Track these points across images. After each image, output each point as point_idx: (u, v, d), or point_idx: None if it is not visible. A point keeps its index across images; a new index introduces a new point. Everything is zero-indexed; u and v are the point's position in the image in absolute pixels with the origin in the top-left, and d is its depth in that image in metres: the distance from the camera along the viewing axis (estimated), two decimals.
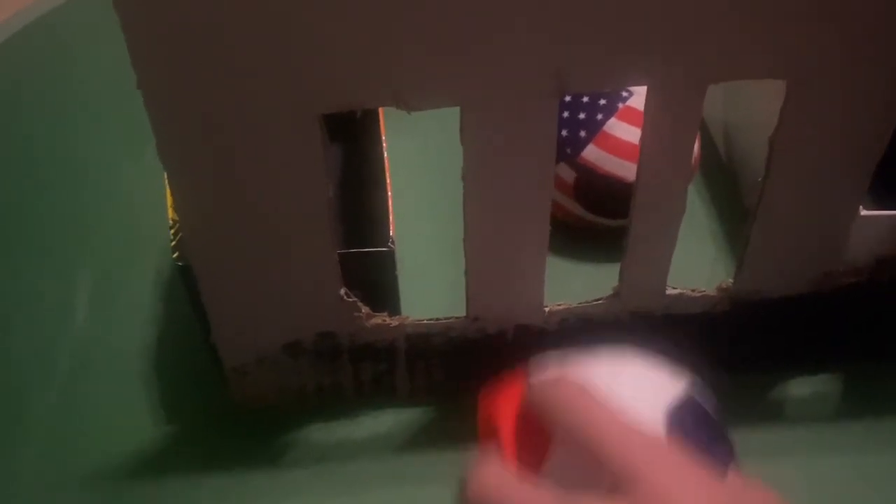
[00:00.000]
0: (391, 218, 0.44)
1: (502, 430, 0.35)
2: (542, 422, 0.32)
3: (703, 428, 0.34)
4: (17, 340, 0.51)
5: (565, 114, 0.51)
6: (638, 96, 0.50)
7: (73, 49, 0.69)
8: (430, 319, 0.44)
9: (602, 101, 0.51)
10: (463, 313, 0.43)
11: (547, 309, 0.43)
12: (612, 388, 0.32)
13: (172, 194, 0.38)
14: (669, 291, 0.43)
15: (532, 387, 0.34)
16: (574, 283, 0.45)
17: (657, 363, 0.35)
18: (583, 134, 0.51)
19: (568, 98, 0.51)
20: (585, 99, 0.51)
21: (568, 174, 0.52)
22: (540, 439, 0.32)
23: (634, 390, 0.33)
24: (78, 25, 0.69)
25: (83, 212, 0.58)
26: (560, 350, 0.36)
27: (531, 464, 0.33)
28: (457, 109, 0.35)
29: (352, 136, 0.55)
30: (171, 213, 0.43)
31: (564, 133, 0.51)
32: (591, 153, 0.51)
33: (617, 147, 0.50)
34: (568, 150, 0.51)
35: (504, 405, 0.36)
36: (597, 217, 0.53)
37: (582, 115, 0.51)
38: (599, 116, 0.50)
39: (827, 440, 0.46)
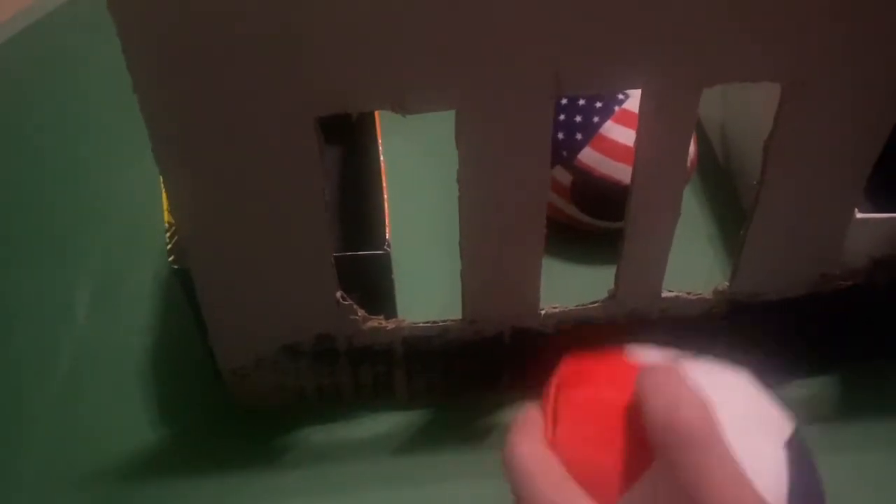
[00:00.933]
0: (387, 221, 0.44)
1: (563, 409, 0.32)
2: (644, 430, 0.28)
3: (808, 470, 0.31)
4: (18, 340, 0.51)
5: (561, 117, 0.51)
6: (634, 99, 0.51)
7: (73, 51, 0.69)
8: (427, 322, 0.44)
9: (598, 104, 0.51)
10: (459, 316, 0.44)
11: (543, 311, 0.44)
12: (732, 413, 0.29)
13: (168, 197, 0.38)
14: (666, 294, 0.44)
15: (648, 386, 0.29)
16: (570, 286, 0.45)
17: (761, 385, 0.33)
18: (579, 137, 0.51)
19: (564, 101, 0.51)
20: (581, 102, 0.51)
21: (564, 177, 0.52)
22: (631, 450, 0.29)
23: (752, 421, 0.30)
24: (77, 27, 0.70)
25: (84, 213, 0.58)
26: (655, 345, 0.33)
27: (611, 471, 0.29)
28: (452, 112, 0.36)
29: (348, 139, 0.55)
30: (166, 216, 0.43)
31: (561, 136, 0.51)
32: (588, 156, 0.51)
33: (613, 150, 0.50)
34: (564, 152, 0.51)
35: (570, 381, 0.33)
36: (593, 219, 0.53)
37: (578, 118, 0.51)
38: (596, 119, 0.50)
39: (824, 441, 0.46)
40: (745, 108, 0.55)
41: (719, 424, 0.27)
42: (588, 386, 0.32)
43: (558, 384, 0.33)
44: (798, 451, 0.31)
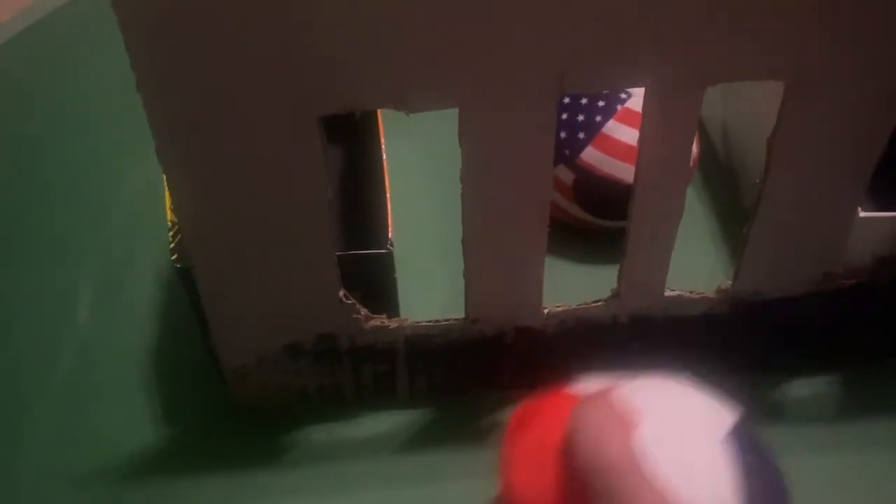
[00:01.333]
0: (390, 220, 0.44)
1: (515, 456, 0.33)
2: (584, 476, 0.30)
3: (756, 462, 0.31)
4: (19, 340, 0.51)
5: (564, 116, 0.51)
6: (637, 98, 0.51)
7: (73, 51, 0.69)
8: (430, 321, 0.44)
9: (601, 103, 0.51)
10: (462, 315, 0.44)
11: (546, 310, 0.44)
12: (661, 429, 0.30)
13: (171, 196, 0.38)
14: (668, 293, 0.43)
15: (574, 422, 0.31)
16: (573, 285, 0.45)
17: (698, 389, 0.33)
18: (581, 136, 0.51)
19: (567, 100, 0.51)
20: (584, 101, 0.51)
21: (567, 176, 0.52)
22: (576, 496, 0.30)
23: (684, 430, 0.31)
24: (78, 27, 0.70)
25: (84, 213, 0.58)
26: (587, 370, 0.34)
27: None
28: (455, 110, 0.36)
29: (350, 138, 0.55)
30: (169, 214, 0.43)
31: (563, 135, 0.51)
32: (590, 155, 0.51)
33: (616, 149, 0.50)
34: (567, 151, 0.51)
35: (519, 426, 0.34)
36: (595, 219, 0.53)
37: (581, 117, 0.51)
38: (598, 118, 0.50)
39: (826, 441, 0.46)
40: (746, 107, 0.55)
41: (642, 449, 0.29)
42: (534, 427, 0.34)
43: (510, 430, 0.34)
44: (740, 445, 0.30)
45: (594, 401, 0.31)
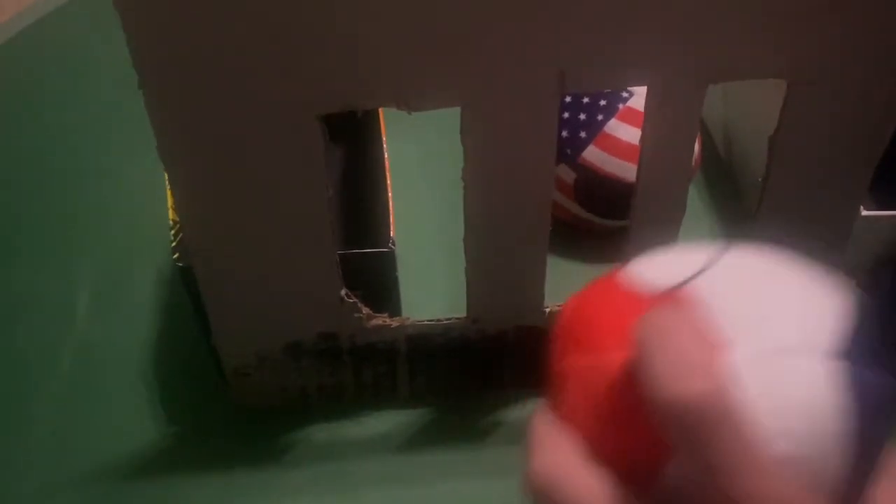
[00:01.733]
0: (391, 219, 0.44)
1: (570, 383, 0.25)
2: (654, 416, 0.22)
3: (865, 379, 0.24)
4: (20, 340, 0.51)
5: (565, 115, 0.51)
6: (638, 97, 0.50)
7: (73, 51, 0.69)
8: (431, 320, 0.44)
9: (602, 102, 0.51)
10: (463, 314, 0.43)
11: (547, 309, 0.43)
12: (757, 345, 0.23)
13: (173, 195, 0.38)
14: None
15: (646, 347, 0.23)
16: (574, 284, 0.45)
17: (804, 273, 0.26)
18: (583, 135, 0.51)
19: (568, 99, 0.51)
20: (586, 100, 0.51)
21: (568, 175, 0.52)
22: (647, 437, 0.23)
23: (782, 342, 0.23)
24: (79, 26, 0.70)
25: (85, 212, 0.58)
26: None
27: (630, 468, 0.24)
28: (457, 109, 0.35)
29: (352, 137, 0.55)
30: (171, 213, 0.43)
31: (565, 134, 0.51)
32: (592, 154, 0.51)
33: (617, 148, 0.50)
34: (568, 151, 0.51)
35: (580, 340, 0.26)
36: (597, 218, 0.53)
37: (582, 116, 0.51)
38: (600, 117, 0.50)
39: None
40: (748, 106, 0.55)
41: (738, 386, 0.22)
42: (590, 349, 0.26)
43: (561, 348, 0.27)
44: (850, 356, 0.23)
45: (663, 318, 0.23)
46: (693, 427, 0.22)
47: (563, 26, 0.33)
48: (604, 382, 0.25)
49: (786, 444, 0.23)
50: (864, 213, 0.42)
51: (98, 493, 0.44)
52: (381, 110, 0.50)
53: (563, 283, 0.44)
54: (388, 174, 0.46)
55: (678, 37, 0.34)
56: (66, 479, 0.45)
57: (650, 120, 0.37)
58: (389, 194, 0.45)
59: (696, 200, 0.57)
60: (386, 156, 0.48)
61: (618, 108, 0.51)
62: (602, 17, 0.33)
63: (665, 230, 0.41)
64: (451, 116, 0.36)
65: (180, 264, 0.41)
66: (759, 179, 0.40)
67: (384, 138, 0.49)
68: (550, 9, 0.33)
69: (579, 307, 0.27)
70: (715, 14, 0.34)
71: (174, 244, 0.42)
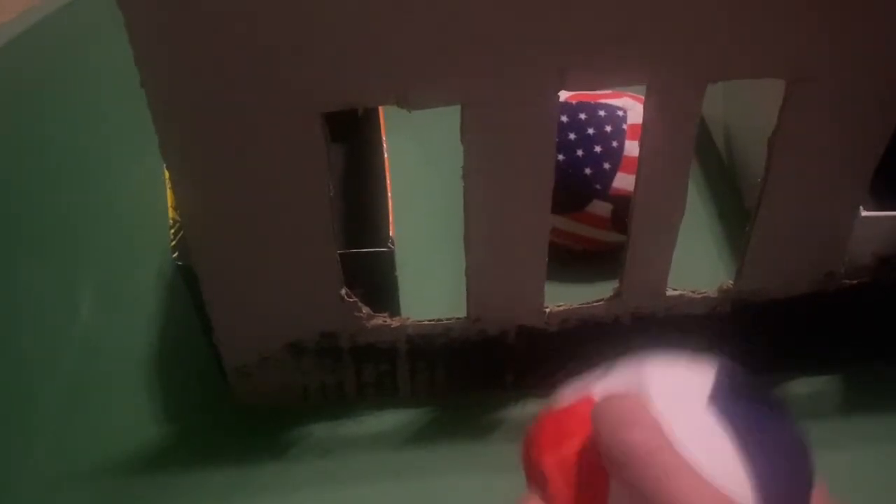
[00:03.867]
0: (391, 218, 0.44)
1: (550, 472, 0.32)
2: (598, 457, 0.29)
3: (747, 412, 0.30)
4: (21, 339, 0.51)
5: (579, 152, 0.50)
6: (633, 112, 0.50)
7: (75, 51, 0.69)
8: (431, 320, 0.44)
9: (608, 128, 0.50)
10: (464, 314, 0.44)
11: (548, 310, 0.44)
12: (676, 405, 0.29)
13: (174, 193, 0.38)
14: (670, 292, 0.43)
15: (597, 418, 0.30)
16: (575, 284, 0.45)
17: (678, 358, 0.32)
18: (607, 166, 0.50)
19: (572, 136, 0.50)
20: (590, 131, 0.50)
21: (604, 209, 0.50)
22: (596, 479, 0.29)
23: (681, 399, 0.30)
24: (81, 26, 0.70)
25: (86, 211, 0.58)
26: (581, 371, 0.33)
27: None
28: (457, 109, 0.36)
29: (352, 136, 0.55)
30: (171, 212, 0.43)
31: (588, 171, 0.50)
32: (622, 181, 0.50)
33: None
34: (598, 186, 0.50)
35: (550, 442, 0.33)
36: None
37: (598, 149, 0.49)
38: (615, 144, 0.50)
39: (828, 439, 0.46)
40: (748, 106, 0.55)
41: (666, 429, 0.28)
42: (566, 442, 0.32)
43: (539, 449, 0.33)
44: (725, 400, 0.30)
45: (610, 398, 0.31)
46: (631, 463, 0.28)
47: (563, 25, 0.33)
48: (579, 462, 0.31)
49: (705, 470, 0.28)
50: (864, 213, 0.42)
51: (100, 490, 0.44)
52: (381, 109, 0.50)
53: (564, 283, 0.44)
54: (387, 173, 0.47)
55: (678, 36, 0.34)
56: (67, 478, 0.45)
57: (650, 119, 0.37)
58: (389, 193, 0.45)
59: (696, 201, 0.58)
60: (386, 155, 0.48)
61: (624, 130, 0.50)
62: (602, 16, 0.33)
63: (665, 229, 0.41)
64: (451, 116, 0.36)
65: (179, 263, 0.41)
66: (759, 180, 0.40)
67: (384, 137, 0.49)
68: (551, 8, 0.33)
69: (551, 419, 0.34)
70: (714, 13, 0.34)
71: (174, 243, 0.42)
